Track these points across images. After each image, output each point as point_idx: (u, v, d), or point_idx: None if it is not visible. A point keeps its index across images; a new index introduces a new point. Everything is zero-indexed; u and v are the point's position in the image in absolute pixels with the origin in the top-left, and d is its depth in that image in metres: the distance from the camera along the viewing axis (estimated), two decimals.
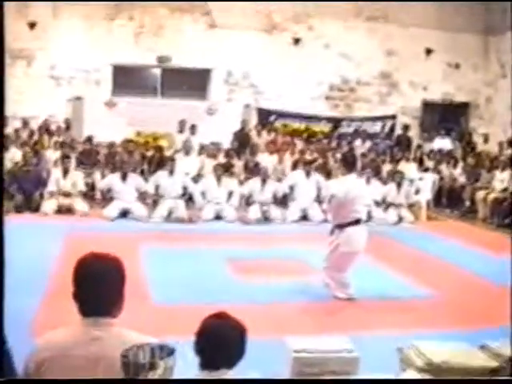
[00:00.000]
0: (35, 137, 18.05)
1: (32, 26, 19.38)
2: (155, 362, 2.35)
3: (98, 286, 3.10)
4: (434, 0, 20.65)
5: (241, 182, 15.75)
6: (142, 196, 14.81)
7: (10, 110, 18.27)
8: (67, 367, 3.00)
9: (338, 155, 17.75)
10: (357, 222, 8.78)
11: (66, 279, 3.23)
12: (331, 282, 8.89)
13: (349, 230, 8.66)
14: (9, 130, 17.95)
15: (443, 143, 20.56)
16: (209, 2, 20.38)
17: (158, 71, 21.08)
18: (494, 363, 4.50)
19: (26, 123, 18.70)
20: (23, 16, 19.25)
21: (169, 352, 2.41)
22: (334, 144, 19.79)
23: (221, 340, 3.37)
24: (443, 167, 18.45)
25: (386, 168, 17.73)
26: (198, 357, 3.44)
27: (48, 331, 3.27)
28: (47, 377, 3.01)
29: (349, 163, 9.14)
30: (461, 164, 18.47)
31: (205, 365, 3.41)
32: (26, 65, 19.70)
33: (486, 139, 20.93)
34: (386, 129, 21.83)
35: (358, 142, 20.41)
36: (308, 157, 17.58)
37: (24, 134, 18.07)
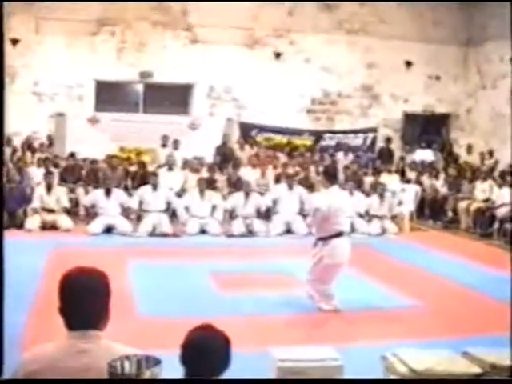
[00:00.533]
0: (18, 153, 18.03)
1: (14, 42, 19.38)
2: (142, 372, 2.39)
3: (83, 299, 3.12)
4: (411, 0, 20.88)
5: (224, 197, 15.78)
6: (126, 211, 14.81)
7: None
8: (55, 380, 3.02)
9: (321, 168, 17.90)
10: (340, 234, 8.83)
11: (52, 295, 3.26)
12: (315, 294, 8.93)
13: (332, 242, 8.71)
14: None
15: (425, 155, 20.70)
16: (190, 17, 20.46)
17: (140, 87, 21.14)
18: (476, 369, 4.56)
19: (9, 140, 18.67)
20: (5, 32, 19.23)
21: (155, 362, 2.45)
22: (316, 157, 19.83)
23: (205, 351, 3.40)
24: (425, 178, 18.55)
25: (369, 180, 17.81)
26: (184, 368, 3.47)
27: (36, 346, 3.30)
28: None
29: (330, 176, 9.22)
30: (442, 175, 18.56)
31: (190, 376, 3.44)
32: (9, 81, 19.68)
33: (469, 150, 21.06)
34: (368, 141, 21.92)
35: (340, 155, 20.46)
36: (291, 170, 17.62)
37: (7, 151, 18.04)
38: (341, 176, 17.31)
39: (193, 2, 20.24)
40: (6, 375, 3.09)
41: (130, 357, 2.43)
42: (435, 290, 10.12)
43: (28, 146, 18.69)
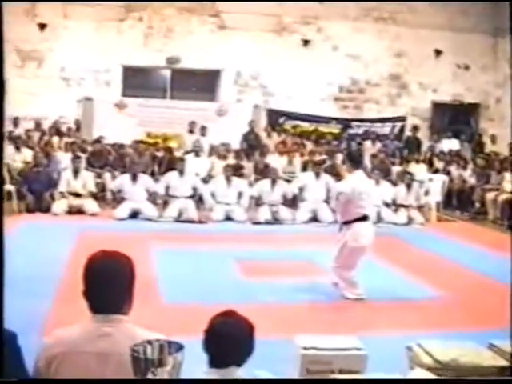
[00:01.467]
0: (46, 137, 18.12)
1: (42, 27, 19.50)
2: (164, 357, 2.37)
3: (107, 283, 3.12)
4: (442, 0, 20.63)
5: (250, 183, 15.77)
6: (152, 197, 14.83)
7: (21, 111, 18.45)
8: (77, 363, 3.02)
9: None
10: (364, 218, 8.80)
11: (78, 279, 3.25)
12: (340, 281, 8.91)
13: (355, 225, 8.69)
14: (20, 130, 18.07)
15: (450, 144, 20.55)
16: (218, 3, 20.43)
17: (167, 72, 21.18)
18: (502, 362, 4.50)
19: (37, 124, 18.80)
20: (33, 17, 19.35)
21: (177, 348, 2.42)
22: (343, 145, 19.76)
23: (229, 337, 3.38)
24: (453, 168, 18.41)
25: (396, 169, 17.71)
26: (207, 354, 3.45)
27: (58, 329, 3.29)
28: (58, 373, 3.03)
29: (355, 160, 9.21)
30: (470, 165, 18.41)
31: (213, 362, 3.43)
32: (36, 66, 19.82)
33: (493, 140, 20.90)
34: (396, 130, 21.83)
35: (367, 144, 20.39)
36: (317, 158, 17.56)
37: (35, 135, 18.15)
38: (368, 164, 17.32)
39: None
40: (26, 356, 3.07)
41: (153, 341, 2.41)
42: (461, 281, 10.03)
43: (56, 130, 18.80)
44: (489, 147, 20.97)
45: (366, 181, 9.56)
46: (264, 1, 19.97)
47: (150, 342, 2.40)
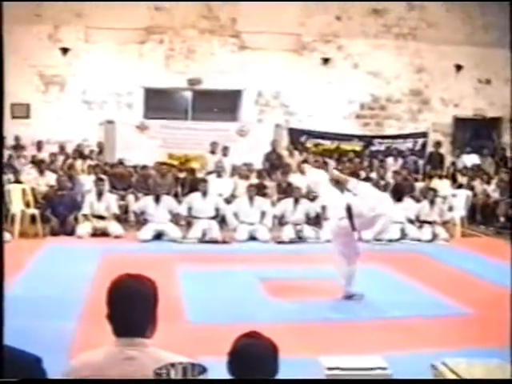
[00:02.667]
0: (69, 160, 18.25)
1: (65, 51, 19.68)
2: (187, 380, 2.38)
3: (131, 306, 3.13)
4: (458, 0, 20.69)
5: (273, 203, 15.76)
6: (176, 218, 14.85)
7: (44, 134, 18.66)
8: (100, 381, 3.03)
9: (373, 174, 17.83)
10: None
11: (102, 301, 3.26)
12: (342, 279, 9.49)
13: None
14: (44, 154, 18.24)
15: (470, 159, 20.49)
16: (238, 24, 20.54)
17: (188, 94, 21.27)
18: None
19: (61, 148, 18.94)
20: (55, 42, 19.55)
21: (200, 370, 2.43)
22: (366, 162, 19.73)
23: (253, 359, 3.37)
24: (476, 183, 18.34)
25: (419, 185, 17.66)
26: (231, 376, 3.44)
27: (83, 353, 3.31)
28: None
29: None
30: (494, 180, 18.33)
31: None
32: (58, 90, 19.98)
33: None
34: (418, 146, 21.77)
35: (389, 160, 20.36)
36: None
37: (59, 159, 18.28)
38: (391, 181, 17.29)
39: (241, 9, 20.34)
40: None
41: (176, 364, 2.43)
42: (487, 297, 9.94)
43: (79, 153, 18.93)
44: None
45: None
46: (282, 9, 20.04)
47: (173, 365, 2.41)
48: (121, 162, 17.87)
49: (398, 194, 9.49)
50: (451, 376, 4.37)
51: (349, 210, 9.38)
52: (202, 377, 2.41)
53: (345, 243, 9.62)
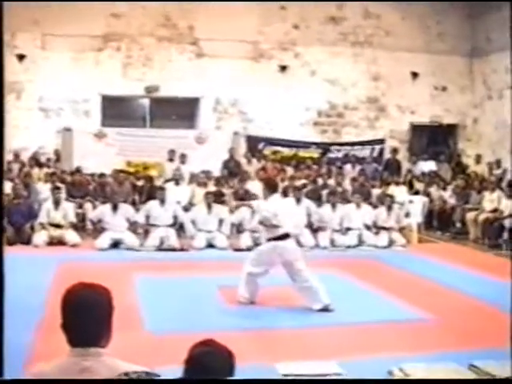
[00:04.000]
0: (25, 169, 18.07)
1: (21, 58, 19.50)
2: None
3: (85, 315, 3.11)
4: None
5: (231, 210, 15.76)
6: (133, 226, 14.80)
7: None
8: (55, 380, 3.01)
9: (331, 181, 17.93)
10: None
11: (58, 310, 3.24)
12: (301, 295, 9.57)
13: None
14: None
15: (427, 166, 20.70)
16: (196, 31, 20.54)
17: (146, 101, 21.19)
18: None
19: (17, 155, 18.74)
20: (12, 48, 19.36)
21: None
22: (324, 169, 19.80)
23: (208, 366, 3.37)
24: (433, 189, 18.52)
25: (376, 192, 17.78)
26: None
27: (36, 365, 3.28)
28: None
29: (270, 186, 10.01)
30: (450, 186, 18.52)
31: None
32: (15, 97, 19.77)
33: (478, 160, 21.10)
34: (375, 153, 21.91)
35: (347, 167, 20.48)
36: (298, 183, 17.56)
37: (15, 167, 18.09)
38: (348, 188, 17.41)
39: (198, 17, 20.35)
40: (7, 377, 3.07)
41: (130, 374, 2.42)
42: (443, 302, 10.04)
43: (35, 161, 18.75)
44: (472, 167, 21.13)
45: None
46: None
47: (127, 375, 2.40)
48: (78, 170, 17.72)
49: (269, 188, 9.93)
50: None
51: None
52: None
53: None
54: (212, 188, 16.80)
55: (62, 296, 3.19)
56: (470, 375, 4.69)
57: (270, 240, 9.63)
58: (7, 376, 3.10)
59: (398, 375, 4.56)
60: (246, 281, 9.70)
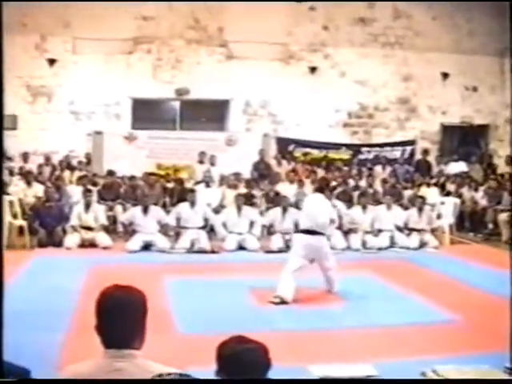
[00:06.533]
0: (57, 172, 18.19)
1: (52, 62, 19.65)
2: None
3: (119, 317, 3.11)
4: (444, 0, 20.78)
5: (262, 212, 15.74)
6: (164, 228, 14.81)
7: (32, 146, 18.58)
8: (100, 381, 3.01)
9: (362, 182, 17.86)
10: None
11: (90, 313, 3.24)
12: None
13: None
14: (31, 166, 18.16)
15: (458, 167, 20.51)
16: (225, 33, 20.56)
17: (176, 104, 21.25)
18: None
19: (48, 159, 18.86)
20: (42, 52, 19.52)
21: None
22: (354, 171, 19.73)
23: (248, 363, 3.33)
24: (464, 190, 18.37)
25: (407, 193, 17.69)
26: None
27: (71, 365, 3.28)
28: None
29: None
30: (482, 187, 18.36)
31: None
32: (46, 101, 19.93)
33: (509, 161, 20.87)
34: (406, 154, 21.79)
35: (378, 169, 20.40)
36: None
37: (46, 170, 18.22)
38: (379, 189, 17.32)
39: (228, 19, 20.37)
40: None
41: (164, 375, 2.40)
42: (476, 304, 9.95)
43: (66, 164, 18.87)
44: (502, 168, 20.92)
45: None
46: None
47: (160, 376, 2.39)
48: (111, 173, 17.76)
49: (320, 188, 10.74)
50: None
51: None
52: None
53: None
54: (242, 190, 16.79)
55: (96, 298, 3.20)
56: (504, 377, 4.63)
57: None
58: (43, 376, 3.10)
59: (431, 376, 4.51)
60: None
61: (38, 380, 2.95)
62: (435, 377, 4.42)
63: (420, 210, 15.63)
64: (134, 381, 2.83)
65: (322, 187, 10.89)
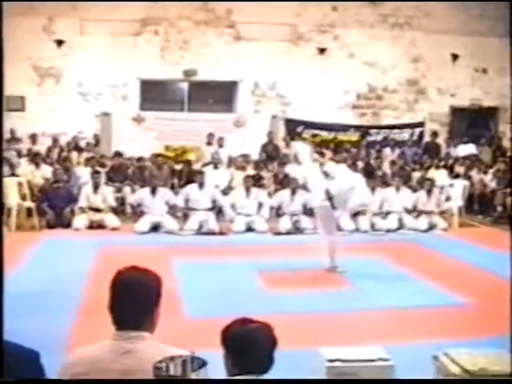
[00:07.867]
0: (65, 153, 18.17)
1: (60, 43, 19.61)
2: (187, 374, 2.34)
3: (134, 298, 3.09)
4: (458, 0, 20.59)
5: (270, 194, 15.71)
6: (172, 210, 14.80)
7: (40, 127, 18.56)
8: (100, 381, 2.99)
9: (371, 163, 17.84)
10: None
11: (99, 293, 3.22)
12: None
13: None
14: (39, 147, 18.16)
15: (467, 149, 20.43)
16: (233, 15, 20.46)
17: (184, 85, 21.20)
18: None
19: (55, 140, 18.85)
20: (50, 34, 19.47)
21: (200, 364, 2.39)
22: (363, 153, 19.67)
23: (257, 342, 3.34)
24: (473, 173, 18.30)
25: (416, 175, 17.64)
26: (228, 360, 3.39)
27: (80, 347, 3.26)
28: None
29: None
30: (491, 170, 18.28)
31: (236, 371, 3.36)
32: (54, 82, 19.90)
33: None
34: (415, 136, 21.71)
35: (386, 150, 20.33)
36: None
37: (54, 151, 18.21)
38: (387, 171, 17.26)
39: (236, 0, 20.26)
40: (49, 375, 3.04)
41: (176, 358, 2.38)
42: (485, 287, 9.91)
43: (74, 145, 18.87)
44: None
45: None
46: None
47: (172, 359, 2.37)
48: (118, 154, 17.72)
49: (368, 173, 10.53)
50: (453, 367, 4.32)
51: (327, 192, 10.62)
52: (202, 370, 2.36)
53: (325, 220, 10.99)
54: (251, 171, 16.75)
55: (112, 278, 3.17)
56: None
57: None
58: (53, 359, 3.08)
59: (444, 360, 4.48)
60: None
61: (38, 380, 2.93)
62: (447, 360, 4.39)
63: (429, 192, 15.58)
64: (135, 381, 2.81)
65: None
